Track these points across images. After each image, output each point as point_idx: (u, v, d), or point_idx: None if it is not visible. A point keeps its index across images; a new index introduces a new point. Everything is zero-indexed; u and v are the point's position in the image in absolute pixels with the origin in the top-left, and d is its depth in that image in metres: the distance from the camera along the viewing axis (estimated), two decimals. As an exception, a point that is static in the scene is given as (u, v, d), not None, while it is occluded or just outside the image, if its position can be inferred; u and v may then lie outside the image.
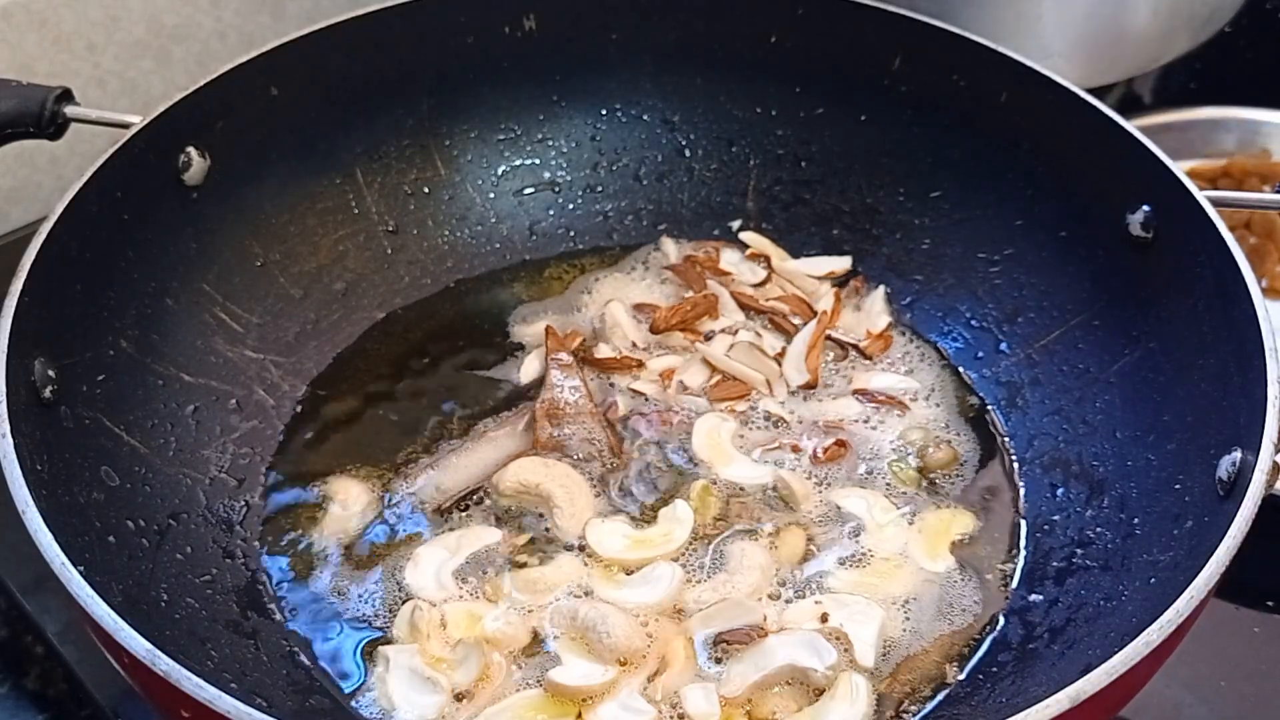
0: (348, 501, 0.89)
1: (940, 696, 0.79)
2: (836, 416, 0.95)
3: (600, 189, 1.11)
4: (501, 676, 0.78)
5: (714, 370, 0.98)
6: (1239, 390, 0.76)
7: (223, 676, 0.73)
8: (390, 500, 0.90)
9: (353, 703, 0.78)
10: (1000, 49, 0.96)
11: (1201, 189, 0.84)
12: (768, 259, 1.05)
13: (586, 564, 0.85)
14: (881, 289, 1.03)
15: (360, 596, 0.84)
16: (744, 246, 1.07)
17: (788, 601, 0.83)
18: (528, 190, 1.11)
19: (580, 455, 0.91)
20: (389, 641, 0.81)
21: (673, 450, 0.93)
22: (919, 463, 0.92)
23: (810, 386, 0.96)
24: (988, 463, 0.93)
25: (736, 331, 1.00)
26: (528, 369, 0.99)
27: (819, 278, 1.05)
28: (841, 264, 1.05)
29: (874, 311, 1.02)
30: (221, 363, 0.94)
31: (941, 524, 0.88)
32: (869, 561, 0.86)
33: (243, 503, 0.89)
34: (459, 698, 0.77)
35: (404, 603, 0.83)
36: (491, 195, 1.10)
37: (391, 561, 0.86)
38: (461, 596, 0.83)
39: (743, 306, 1.02)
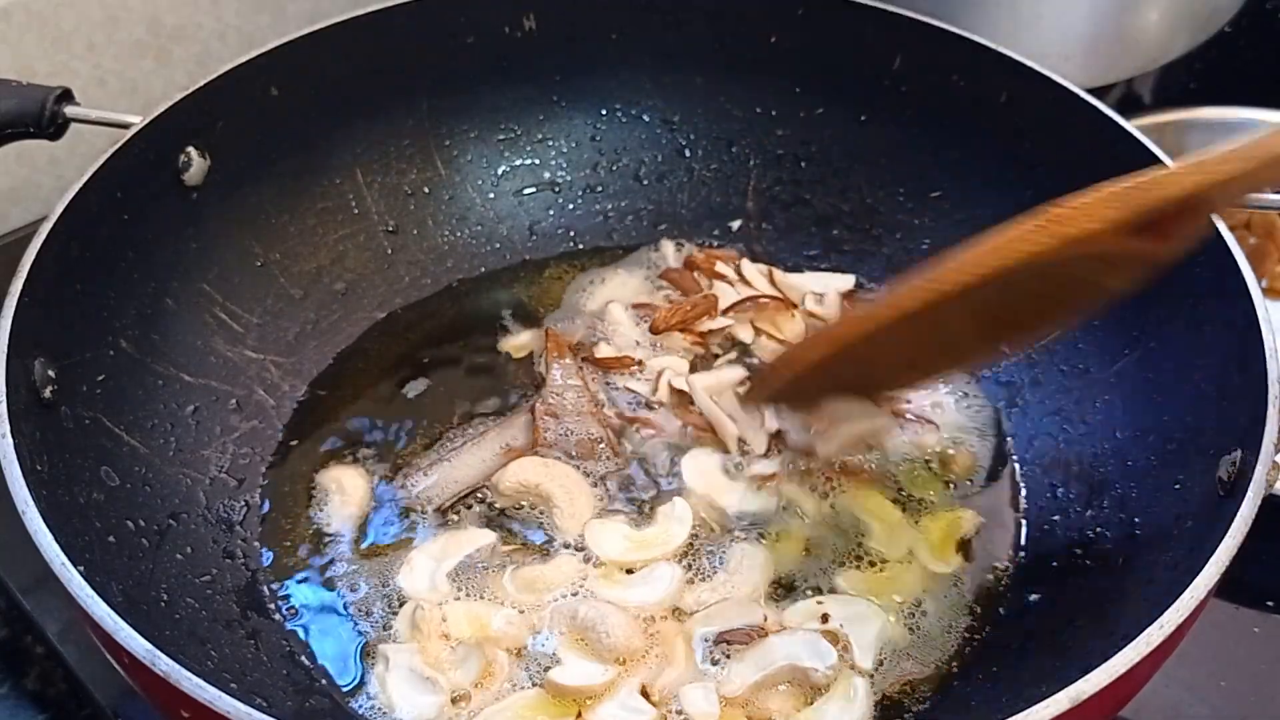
0: (348, 502, 0.89)
1: (940, 697, 0.79)
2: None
3: (600, 189, 1.11)
4: (502, 676, 0.78)
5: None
6: (1239, 390, 0.76)
7: (223, 676, 0.73)
8: (390, 500, 0.90)
9: (352, 702, 0.78)
10: (1000, 49, 0.96)
11: (1202, 189, 0.84)
12: (769, 271, 1.05)
13: (586, 563, 0.85)
14: None
15: (360, 596, 0.84)
16: (742, 253, 1.07)
17: (792, 600, 0.83)
18: (528, 190, 1.11)
19: (580, 455, 0.91)
20: (389, 641, 0.81)
21: (673, 450, 0.93)
22: (941, 470, 0.92)
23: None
24: (988, 463, 0.93)
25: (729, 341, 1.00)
26: (530, 367, 0.99)
27: (820, 293, 1.04)
28: (845, 281, 1.05)
29: None
30: (221, 363, 0.94)
31: (945, 525, 0.88)
32: (872, 562, 0.86)
33: (243, 503, 0.89)
34: (458, 698, 0.77)
35: (403, 603, 0.83)
36: (491, 195, 1.10)
37: (390, 562, 0.86)
38: (458, 597, 0.83)
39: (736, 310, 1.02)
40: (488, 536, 0.86)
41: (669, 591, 0.83)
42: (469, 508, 0.89)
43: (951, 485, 0.91)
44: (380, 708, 0.77)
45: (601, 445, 0.92)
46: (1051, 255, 0.71)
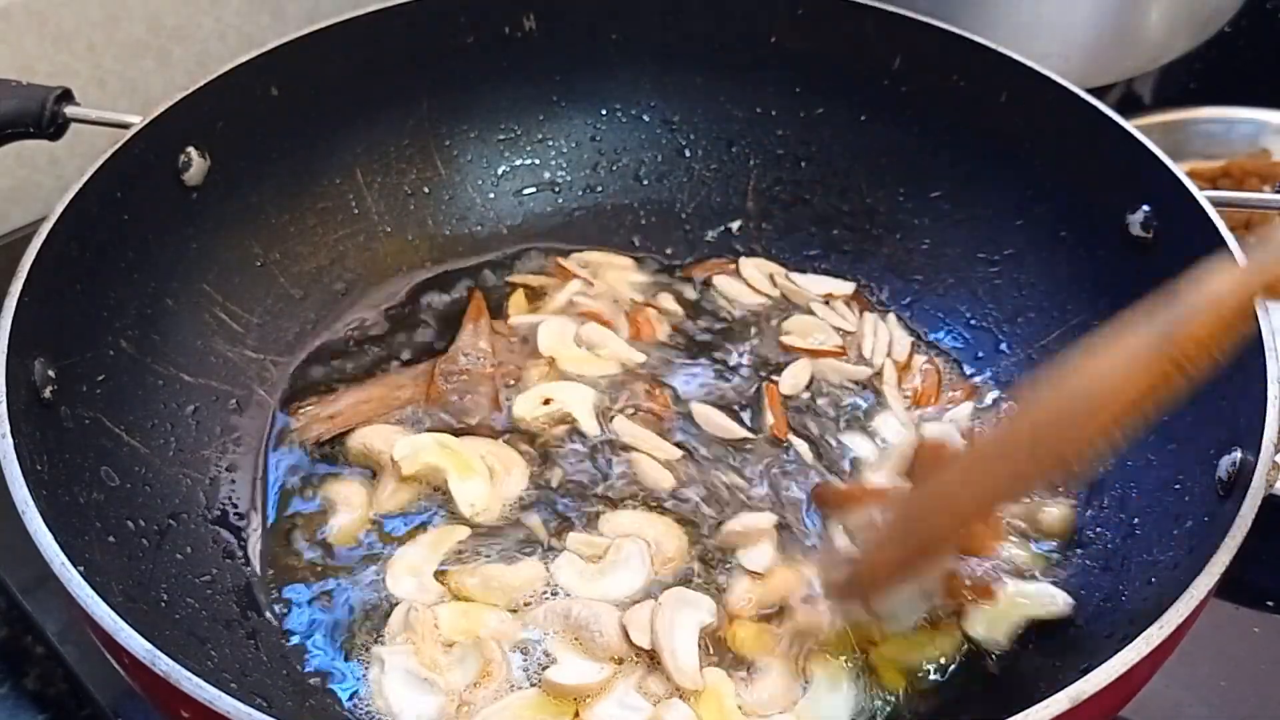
0: (348, 502, 0.89)
1: (941, 697, 0.79)
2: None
3: (600, 189, 1.11)
4: (499, 676, 0.78)
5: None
6: (1239, 390, 0.76)
7: (223, 676, 0.73)
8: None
9: (350, 703, 0.78)
10: (1000, 49, 0.96)
11: (1201, 189, 0.84)
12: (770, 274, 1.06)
13: (543, 562, 0.85)
14: (893, 316, 1.03)
15: (356, 598, 0.84)
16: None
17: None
18: (528, 190, 1.11)
19: (466, 420, 0.93)
20: (383, 643, 0.81)
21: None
22: (1035, 534, 0.86)
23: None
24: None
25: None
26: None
27: (820, 296, 1.04)
28: (845, 287, 1.05)
29: (894, 335, 1.01)
30: (221, 363, 0.94)
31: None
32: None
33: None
34: (456, 699, 0.77)
35: (395, 604, 0.82)
36: (491, 195, 1.10)
37: (384, 561, 0.85)
38: (448, 598, 0.83)
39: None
40: (463, 532, 0.86)
41: (648, 571, 0.83)
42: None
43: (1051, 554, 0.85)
44: (378, 710, 0.77)
45: (485, 414, 0.93)
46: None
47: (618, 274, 1.06)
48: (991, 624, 0.80)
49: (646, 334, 1.00)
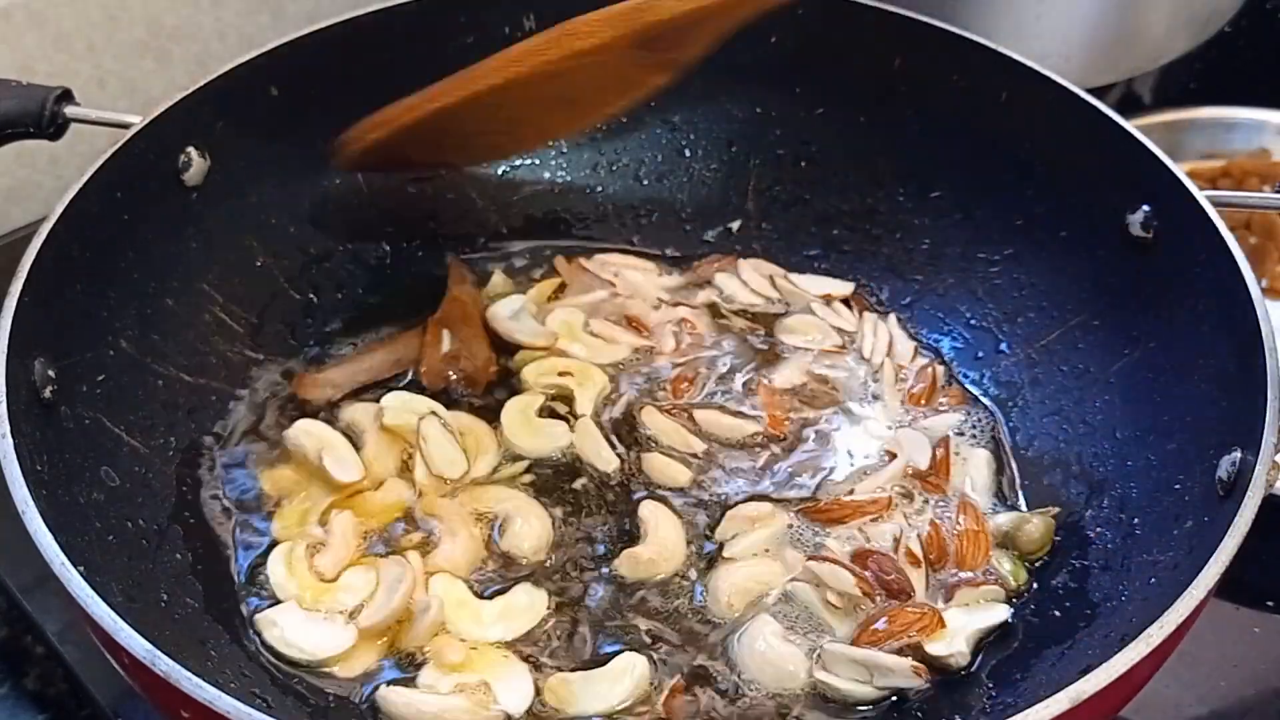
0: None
1: (941, 697, 0.79)
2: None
3: (600, 189, 1.11)
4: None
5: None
6: (1239, 390, 0.76)
7: (223, 676, 0.73)
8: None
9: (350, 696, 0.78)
10: (1000, 49, 0.96)
11: (1201, 189, 0.84)
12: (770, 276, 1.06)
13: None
14: (892, 316, 1.03)
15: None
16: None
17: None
18: (528, 190, 1.11)
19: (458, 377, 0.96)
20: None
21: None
22: (1015, 552, 0.86)
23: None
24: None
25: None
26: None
27: (820, 296, 1.04)
28: (844, 288, 1.05)
29: (894, 335, 1.01)
30: (221, 363, 0.94)
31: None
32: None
33: (243, 503, 0.89)
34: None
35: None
36: (492, 195, 1.10)
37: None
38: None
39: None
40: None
41: None
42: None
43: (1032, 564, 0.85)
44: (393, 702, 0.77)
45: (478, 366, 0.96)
46: (564, 64, 0.84)
47: (641, 276, 1.06)
48: (949, 643, 0.79)
49: (693, 336, 1.00)
